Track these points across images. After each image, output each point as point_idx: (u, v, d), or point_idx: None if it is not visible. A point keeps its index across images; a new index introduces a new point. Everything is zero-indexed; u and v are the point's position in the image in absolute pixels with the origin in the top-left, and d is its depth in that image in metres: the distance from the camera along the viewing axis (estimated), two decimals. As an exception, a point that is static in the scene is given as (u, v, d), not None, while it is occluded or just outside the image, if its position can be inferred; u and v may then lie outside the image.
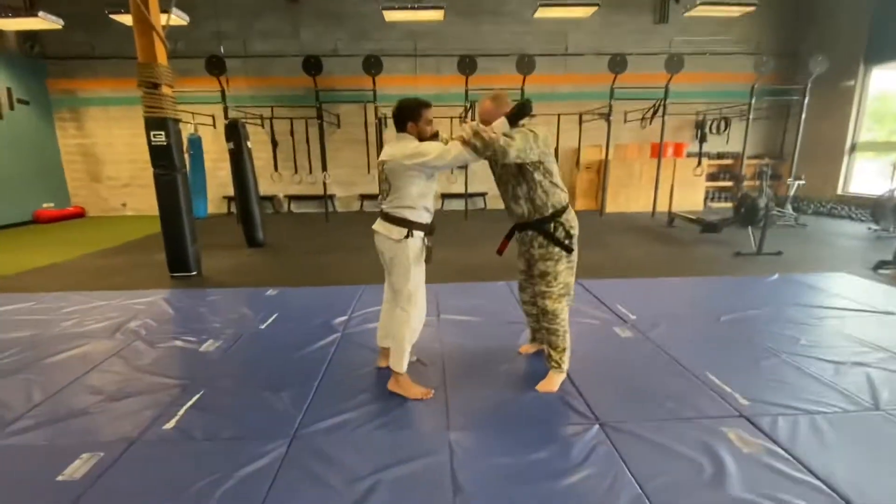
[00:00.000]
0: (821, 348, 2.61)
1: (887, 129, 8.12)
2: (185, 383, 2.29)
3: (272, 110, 8.18)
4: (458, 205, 9.21)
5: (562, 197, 2.08)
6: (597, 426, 1.90)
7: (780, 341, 2.71)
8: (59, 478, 1.62)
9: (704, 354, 2.55)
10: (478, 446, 1.79)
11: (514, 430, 1.89)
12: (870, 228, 6.55)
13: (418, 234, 2.03)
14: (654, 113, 8.38)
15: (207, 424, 1.95)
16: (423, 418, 2.00)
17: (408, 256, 2.03)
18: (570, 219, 2.11)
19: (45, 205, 8.57)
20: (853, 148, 8.25)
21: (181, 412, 2.04)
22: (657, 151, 8.06)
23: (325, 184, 7.94)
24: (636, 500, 1.50)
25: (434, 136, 2.06)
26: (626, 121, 9.13)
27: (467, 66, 7.31)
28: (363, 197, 9.49)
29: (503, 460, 1.70)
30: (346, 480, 1.61)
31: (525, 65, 7.29)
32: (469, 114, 7.94)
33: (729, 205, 8.64)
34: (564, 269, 2.13)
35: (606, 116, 7.67)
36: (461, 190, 8.89)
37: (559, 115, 8.14)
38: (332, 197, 9.47)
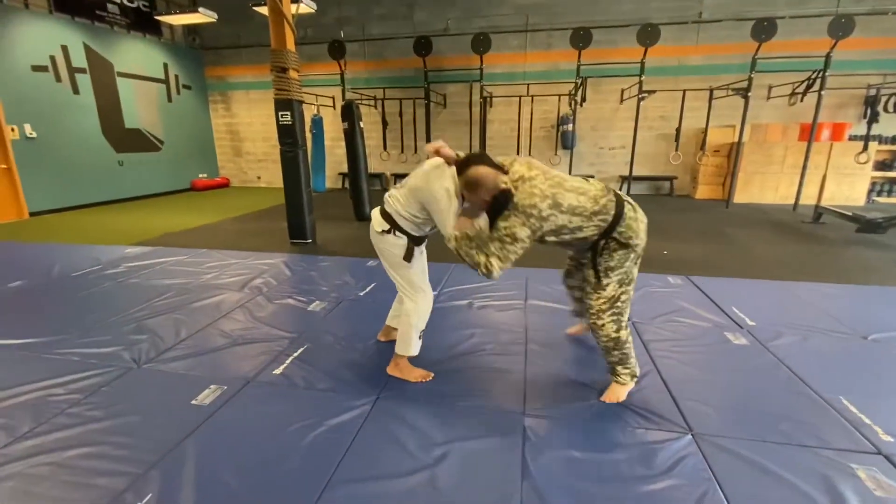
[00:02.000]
0: None
1: None
2: (294, 337, 2.59)
3: (384, 92, 8.59)
4: (560, 188, 8.86)
5: (595, 225, 1.73)
6: (689, 436, 1.73)
7: (953, 372, 2.18)
8: (193, 401, 1.96)
9: (840, 376, 2.16)
10: (552, 435, 1.75)
11: (591, 426, 1.81)
12: None
13: (402, 236, 1.95)
14: (809, 87, 7.09)
15: (308, 375, 2.19)
16: (499, 399, 2.01)
17: (392, 251, 1.98)
18: (626, 229, 1.76)
19: (200, 175, 10.14)
20: None
21: (288, 361, 2.31)
22: (807, 133, 6.84)
23: (428, 163, 8.18)
24: (726, 522, 1.35)
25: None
26: (769, 97, 7.88)
27: (581, 39, 6.86)
28: (464, 177, 9.59)
29: (576, 454, 1.65)
30: (420, 445, 1.70)
31: (648, 35, 6.62)
32: (579, 91, 7.50)
33: (903, 200, 7.07)
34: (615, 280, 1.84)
35: (744, 92, 6.68)
36: (564, 171, 8.51)
37: (685, 90, 7.28)
38: (434, 176, 9.72)
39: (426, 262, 2.18)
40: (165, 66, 9.14)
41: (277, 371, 2.22)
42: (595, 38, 6.98)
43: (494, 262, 1.72)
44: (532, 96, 8.20)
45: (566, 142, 8.68)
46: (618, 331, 1.88)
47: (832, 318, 2.83)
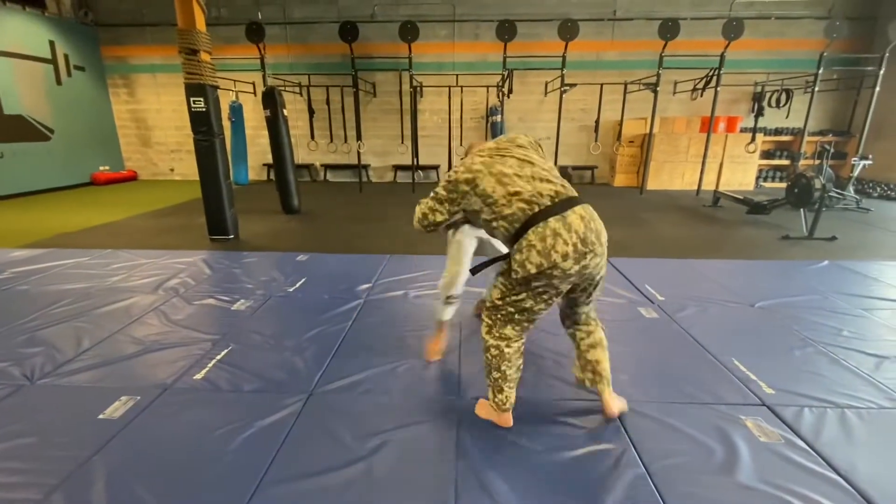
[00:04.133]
0: (864, 341, 2.45)
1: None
2: (216, 339, 2.44)
3: (309, 78, 8.22)
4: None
5: (501, 228, 1.52)
6: (607, 404, 1.88)
7: (819, 331, 2.56)
8: (101, 416, 1.79)
9: (732, 340, 2.44)
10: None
11: (522, 403, 1.90)
12: (943, 215, 5.97)
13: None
14: (707, 83, 7.84)
15: (233, 377, 2.08)
16: (434, 385, 2.05)
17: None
18: (517, 251, 1.47)
19: (101, 168, 9.11)
20: (934, 125, 7.44)
21: (210, 364, 2.18)
22: (707, 126, 7.57)
23: (359, 153, 8.00)
24: (639, 478, 1.49)
25: None
26: (675, 92, 8.60)
27: (506, 31, 7.02)
28: (396, 168, 9.51)
29: (509, 432, 1.72)
30: (356, 437, 1.68)
31: (568, 30, 6.93)
32: (506, 83, 7.69)
33: (783, 185, 8.08)
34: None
35: (653, 87, 7.23)
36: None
37: (602, 84, 7.74)
38: (366, 167, 9.54)
39: (471, 249, 2.21)
40: (52, 43, 8.06)
41: (198, 376, 2.08)
42: (520, 32, 7.18)
43: (417, 209, 1.70)
44: (461, 87, 8.28)
45: (495, 132, 8.88)
46: (486, 342, 1.67)
47: (726, 289, 3.19)
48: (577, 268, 1.45)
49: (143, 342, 2.40)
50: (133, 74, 9.31)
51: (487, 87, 8.33)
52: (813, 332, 2.55)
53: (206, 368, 2.14)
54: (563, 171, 8.82)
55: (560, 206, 1.46)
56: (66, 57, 8.33)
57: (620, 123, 8.15)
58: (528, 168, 1.53)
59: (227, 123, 6.95)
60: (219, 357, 2.25)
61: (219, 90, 4.36)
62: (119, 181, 9.25)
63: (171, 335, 2.48)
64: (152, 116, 9.55)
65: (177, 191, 8.14)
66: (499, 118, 8.57)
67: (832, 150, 7.15)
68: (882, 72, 6.61)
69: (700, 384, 2.03)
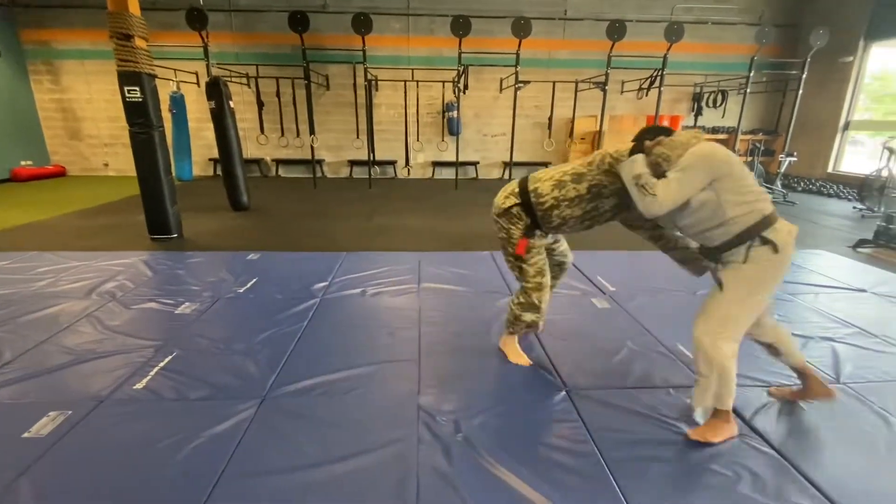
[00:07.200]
0: (790, 323, 2.65)
1: (884, 109, 8.05)
2: (159, 345, 2.29)
3: (257, 69, 7.88)
4: (448, 173, 9.09)
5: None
6: (563, 392, 1.93)
7: (752, 316, 2.74)
8: (25, 435, 1.63)
9: (677, 326, 2.57)
10: (446, 408, 1.82)
11: (481, 396, 1.92)
12: (855, 208, 6.59)
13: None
14: (651, 83, 8.21)
15: (178, 385, 1.95)
16: (394, 381, 2.02)
17: None
18: None
19: (23, 162, 8.32)
20: (847, 126, 8.19)
21: (153, 373, 2.04)
22: (652, 124, 7.94)
23: (312, 148, 7.76)
24: (592, 459, 1.54)
25: None
26: (622, 91, 8.95)
27: (461, 27, 7.03)
28: (352, 163, 9.32)
29: (471, 421, 1.73)
30: (313, 441, 1.63)
31: (521, 28, 7.03)
32: (462, 78, 7.70)
33: (720, 180, 8.61)
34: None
35: (602, 85, 7.49)
36: (451, 158, 8.76)
37: (554, 82, 7.93)
38: (320, 162, 9.29)
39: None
40: (-42, 23, 7.24)
41: (139, 385, 1.94)
42: (474, 28, 7.19)
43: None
44: (417, 81, 8.22)
45: (452, 128, 8.91)
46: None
47: (671, 279, 3.35)
48: None
49: (74, 352, 2.21)
50: (58, 61, 8.54)
51: (443, 82, 8.32)
52: (748, 316, 2.73)
53: (148, 377, 2.00)
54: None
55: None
56: (-24, 39, 7.51)
57: (572, 120, 8.39)
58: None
59: (167, 115, 6.53)
60: (162, 364, 2.11)
61: (157, 79, 4.07)
62: (44, 177, 8.48)
63: (107, 343, 2.30)
64: (81, 106, 8.81)
65: (112, 187, 7.57)
66: (455, 113, 8.59)
67: (762, 148, 7.71)
68: (804, 76, 7.19)
69: (649, 369, 2.13)
